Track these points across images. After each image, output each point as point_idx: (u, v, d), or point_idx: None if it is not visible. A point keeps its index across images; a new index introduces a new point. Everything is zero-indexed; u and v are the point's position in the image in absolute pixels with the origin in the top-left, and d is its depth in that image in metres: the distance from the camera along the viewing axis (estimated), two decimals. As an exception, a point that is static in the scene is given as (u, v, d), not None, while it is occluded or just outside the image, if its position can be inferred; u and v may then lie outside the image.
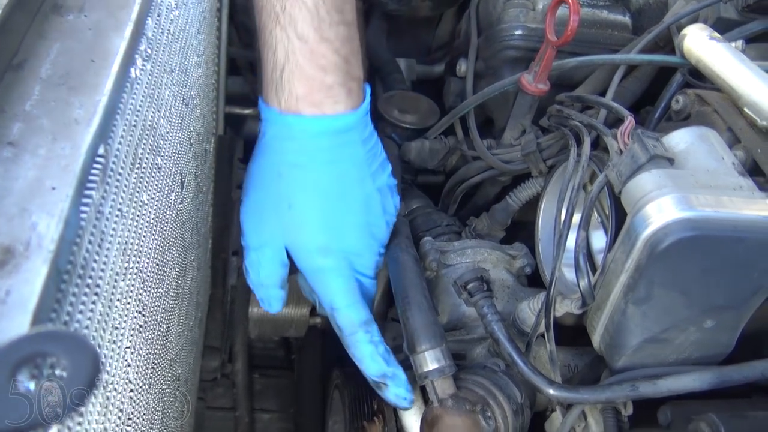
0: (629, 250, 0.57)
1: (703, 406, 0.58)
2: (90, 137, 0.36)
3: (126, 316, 0.48)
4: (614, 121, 0.74)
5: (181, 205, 0.74)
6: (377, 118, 1.03)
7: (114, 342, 0.44)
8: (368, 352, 0.62)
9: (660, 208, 0.55)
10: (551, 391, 0.59)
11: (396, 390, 0.63)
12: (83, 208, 0.35)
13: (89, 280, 0.37)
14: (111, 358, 0.43)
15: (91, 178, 0.36)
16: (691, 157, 0.61)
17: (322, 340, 1.27)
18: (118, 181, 0.43)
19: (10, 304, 0.30)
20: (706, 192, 0.56)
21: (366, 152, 0.65)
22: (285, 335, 1.35)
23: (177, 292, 0.76)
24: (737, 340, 0.61)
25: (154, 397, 0.63)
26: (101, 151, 0.37)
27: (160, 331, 0.64)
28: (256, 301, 1.33)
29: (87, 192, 0.36)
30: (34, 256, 0.32)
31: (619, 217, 0.63)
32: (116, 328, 0.44)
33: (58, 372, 0.21)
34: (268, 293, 0.70)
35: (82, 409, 0.32)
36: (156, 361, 0.63)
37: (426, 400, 0.67)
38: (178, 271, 0.75)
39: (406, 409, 0.65)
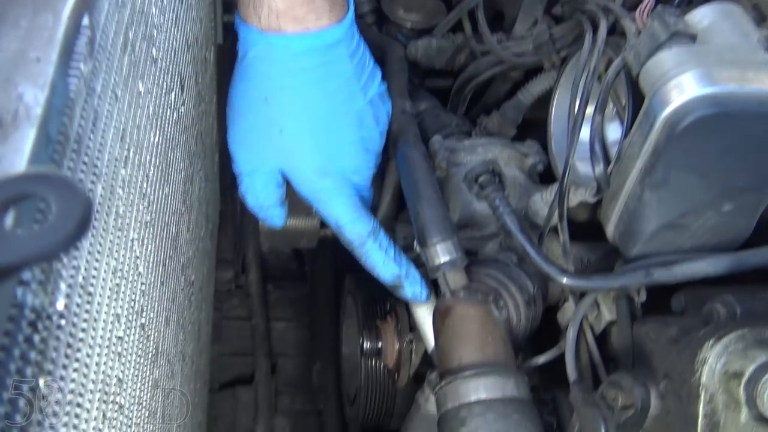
0: (647, 132, 0.55)
1: (718, 291, 0.57)
2: (72, 4, 0.34)
3: (131, 206, 0.47)
4: (633, 5, 0.70)
5: (182, 108, 0.72)
6: (381, 18, 0.99)
7: (119, 229, 0.43)
8: (380, 259, 0.63)
9: (680, 85, 0.52)
10: (564, 280, 0.59)
11: (412, 288, 0.64)
12: (71, 78, 0.33)
13: (85, 158, 0.36)
14: (117, 245, 0.43)
15: (77, 48, 0.34)
16: (715, 34, 0.57)
17: (334, 250, 1.28)
18: (108, 60, 0.41)
19: (1, 172, 0.28)
20: (729, 68, 0.53)
21: (354, 66, 0.63)
22: (297, 247, 1.36)
23: (185, 197, 0.75)
24: (754, 226, 0.60)
25: (168, 297, 0.63)
26: (85, 21, 0.35)
27: (169, 232, 0.64)
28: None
29: (74, 64, 0.34)
30: (23, 124, 0.30)
31: (636, 103, 0.60)
32: (120, 216, 0.44)
33: (47, 212, 0.20)
34: (269, 213, 0.69)
35: (76, 255, 0.32)
36: (167, 261, 0.63)
37: (438, 293, 0.67)
38: (184, 176, 0.74)
39: (424, 302, 0.66)
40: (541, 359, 0.63)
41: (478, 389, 0.54)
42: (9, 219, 0.20)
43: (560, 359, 0.64)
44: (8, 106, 0.31)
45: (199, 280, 0.92)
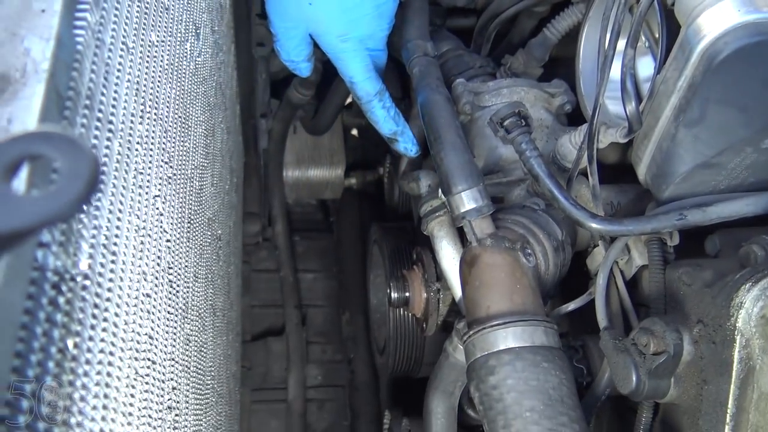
0: (682, 66, 0.52)
1: (755, 232, 0.55)
2: (75, -48, 0.32)
3: (150, 162, 0.46)
4: (667, -71, 0.65)
5: (199, 59, 0.71)
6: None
7: (140, 187, 0.43)
8: (382, 116, 0.75)
9: (719, 13, 0.49)
10: (593, 225, 0.57)
11: (404, 144, 0.77)
12: (78, 31, 0.32)
13: (99, 114, 0.35)
14: (139, 203, 0.43)
15: (83, -2, 0.33)
16: (758, -43, 0.53)
17: (359, 201, 1.27)
18: (117, 10, 0.39)
19: (12, 131, 0.28)
20: (773, -7, 0.49)
21: None
22: (321, 197, 1.36)
23: (206, 150, 0.74)
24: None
25: (195, 252, 0.63)
26: (90, -31, 0.34)
27: (192, 187, 0.64)
28: (291, 164, 1.33)
29: (79, 13, 0.33)
30: (32, 80, 0.29)
31: (670, 35, 0.57)
32: (140, 173, 0.43)
33: (54, 173, 0.19)
34: (298, 66, 0.80)
35: (96, 214, 0.31)
36: (192, 217, 0.63)
37: (464, 243, 0.66)
38: (205, 129, 0.73)
39: (413, 157, 0.79)
40: (571, 306, 0.62)
41: (506, 338, 0.54)
42: (18, 181, 0.20)
43: (590, 305, 0.63)
44: (16, 63, 0.30)
45: (226, 234, 0.92)
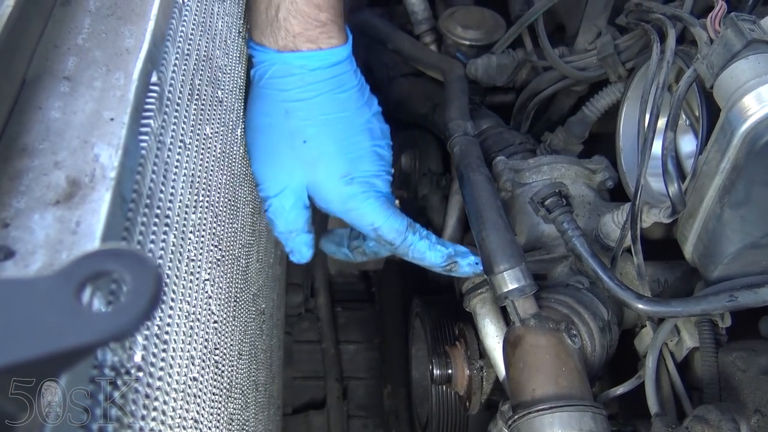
0: (725, 148, 0.52)
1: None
2: (141, 64, 0.35)
3: (202, 248, 0.48)
4: (703, 11, 0.67)
5: (248, 142, 0.74)
6: (439, 37, 0.99)
7: (191, 273, 0.45)
8: (425, 247, 0.66)
9: (760, 96, 0.49)
10: (640, 306, 0.56)
11: (466, 262, 0.66)
12: (142, 137, 0.35)
13: (158, 210, 0.37)
14: (190, 289, 0.44)
15: (147, 106, 0.36)
16: (796, 40, 0.54)
17: (401, 272, 1.28)
18: (177, 111, 0.42)
19: (80, 233, 0.30)
20: (814, 76, 0.49)
21: (358, 81, 0.68)
22: (364, 269, 1.37)
23: (253, 228, 0.77)
24: None
25: (239, 329, 0.65)
26: (154, 78, 0.37)
27: (239, 265, 0.66)
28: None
29: (144, 120, 0.35)
30: (99, 185, 0.32)
31: (710, 115, 0.57)
32: (192, 260, 0.45)
33: (121, 288, 0.21)
34: (297, 241, 0.70)
35: (151, 328, 0.33)
36: (238, 295, 0.64)
37: (507, 321, 0.66)
38: (252, 208, 0.76)
39: (482, 273, 0.66)
40: (620, 390, 0.61)
41: (552, 423, 0.52)
42: (87, 296, 0.21)
43: (639, 388, 0.61)
44: (85, 168, 0.33)
45: (270, 307, 0.94)
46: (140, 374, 0.32)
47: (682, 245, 0.60)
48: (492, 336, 0.69)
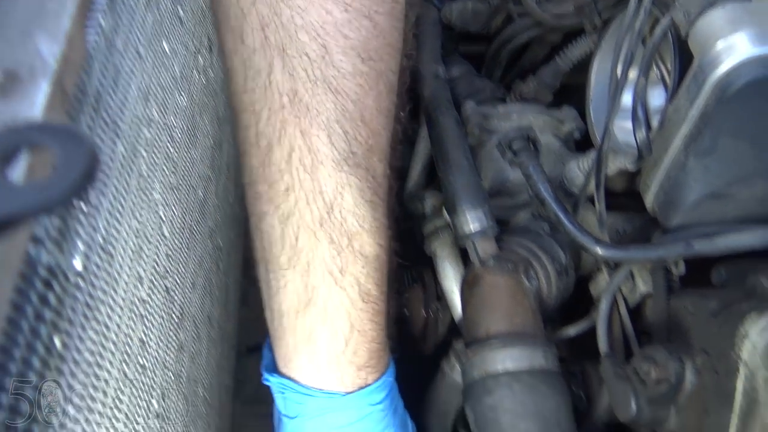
0: (694, 96, 0.51)
1: (762, 263, 0.55)
2: (90, -46, 0.32)
3: (155, 168, 0.46)
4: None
5: (211, 71, 0.71)
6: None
7: (142, 191, 0.43)
8: None
9: (733, 45, 0.49)
10: (599, 250, 0.56)
11: None
12: (89, 33, 0.32)
13: (105, 116, 0.35)
14: (140, 207, 0.42)
15: (97, 2, 0.33)
16: (773, -10, 0.53)
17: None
18: (131, 17, 0.40)
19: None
20: (787, 26, 0.49)
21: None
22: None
23: (212, 162, 0.74)
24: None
25: (194, 261, 0.63)
26: (105, -28, 0.34)
27: (196, 196, 0.64)
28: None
29: (92, 16, 0.33)
30: (39, 78, 0.29)
31: (683, 65, 0.57)
32: (143, 177, 0.43)
33: (50, 164, 0.19)
34: None
35: (94, 213, 0.31)
36: (194, 226, 0.62)
37: (466, 262, 0.66)
38: (213, 142, 0.73)
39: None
40: (572, 331, 0.62)
41: (505, 359, 0.53)
42: (15, 170, 0.19)
43: (591, 331, 0.62)
44: (25, 60, 0.30)
45: (227, 246, 0.92)
46: (80, 282, 0.30)
47: (644, 194, 0.60)
48: (450, 278, 0.69)
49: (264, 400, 1.18)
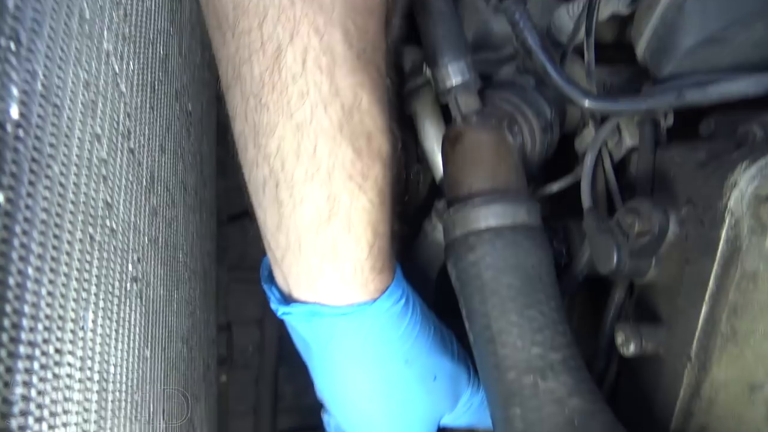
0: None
1: (753, 114, 0.53)
2: None
3: (100, 12, 0.41)
4: None
5: None
6: None
7: (88, 38, 0.38)
8: None
9: None
10: (586, 103, 0.54)
11: None
12: None
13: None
14: (88, 55, 0.38)
15: None
16: None
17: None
18: None
19: None
20: None
21: None
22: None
23: (173, 16, 0.68)
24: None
25: (160, 123, 0.59)
26: None
27: (155, 52, 0.59)
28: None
29: None
30: None
31: None
32: (87, 21, 0.38)
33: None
34: None
35: (29, 57, 0.27)
36: (156, 84, 0.58)
37: (448, 119, 0.63)
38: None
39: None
40: (555, 187, 0.60)
41: (487, 216, 0.52)
42: None
43: (573, 189, 0.61)
44: None
45: (198, 111, 0.88)
46: (21, 132, 0.27)
47: (636, 41, 0.57)
48: (431, 138, 0.67)
49: (248, 266, 1.20)
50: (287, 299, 0.51)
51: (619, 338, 0.51)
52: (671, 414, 0.49)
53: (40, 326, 0.29)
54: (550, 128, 0.60)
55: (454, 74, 0.57)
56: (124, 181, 0.44)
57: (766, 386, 0.43)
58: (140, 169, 0.50)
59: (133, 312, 0.45)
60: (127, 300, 0.44)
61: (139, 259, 0.48)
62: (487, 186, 0.53)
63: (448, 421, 0.59)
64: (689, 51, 0.53)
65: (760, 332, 0.43)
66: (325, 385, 0.53)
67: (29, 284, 0.28)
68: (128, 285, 0.45)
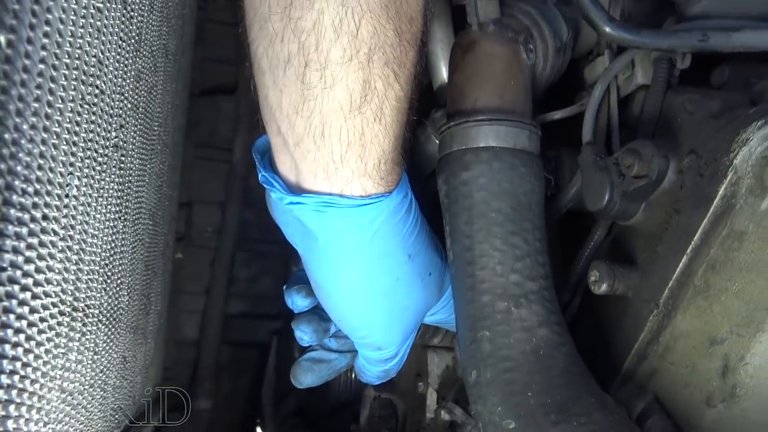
0: None
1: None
2: None
3: None
4: None
5: None
6: None
7: None
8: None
9: None
10: (608, 29, 0.51)
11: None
12: None
13: None
14: None
15: None
16: None
17: None
18: None
19: None
20: None
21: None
22: None
23: None
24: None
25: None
26: None
27: None
28: None
29: None
30: None
31: None
32: None
33: None
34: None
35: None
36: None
37: (457, 28, 0.59)
38: None
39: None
40: (558, 114, 0.59)
41: (488, 135, 0.50)
42: None
43: (572, 120, 0.60)
44: None
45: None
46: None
47: (670, -28, 0.54)
48: (436, 39, 0.63)
49: (216, 145, 1.15)
50: (293, 189, 0.48)
51: (593, 276, 0.51)
52: (627, 354, 0.51)
53: (30, 189, 0.26)
54: (563, 51, 0.58)
55: (478, -26, 0.53)
56: (115, 37, 0.40)
57: (727, 342, 0.45)
58: (131, 26, 0.45)
59: (112, 182, 0.42)
60: (108, 168, 0.41)
61: (121, 126, 0.45)
62: (493, 103, 0.51)
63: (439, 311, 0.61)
64: (721, -8, 0.50)
65: (732, 291, 0.44)
66: (327, 280, 0.51)
67: (23, 142, 0.25)
68: (110, 152, 0.42)
